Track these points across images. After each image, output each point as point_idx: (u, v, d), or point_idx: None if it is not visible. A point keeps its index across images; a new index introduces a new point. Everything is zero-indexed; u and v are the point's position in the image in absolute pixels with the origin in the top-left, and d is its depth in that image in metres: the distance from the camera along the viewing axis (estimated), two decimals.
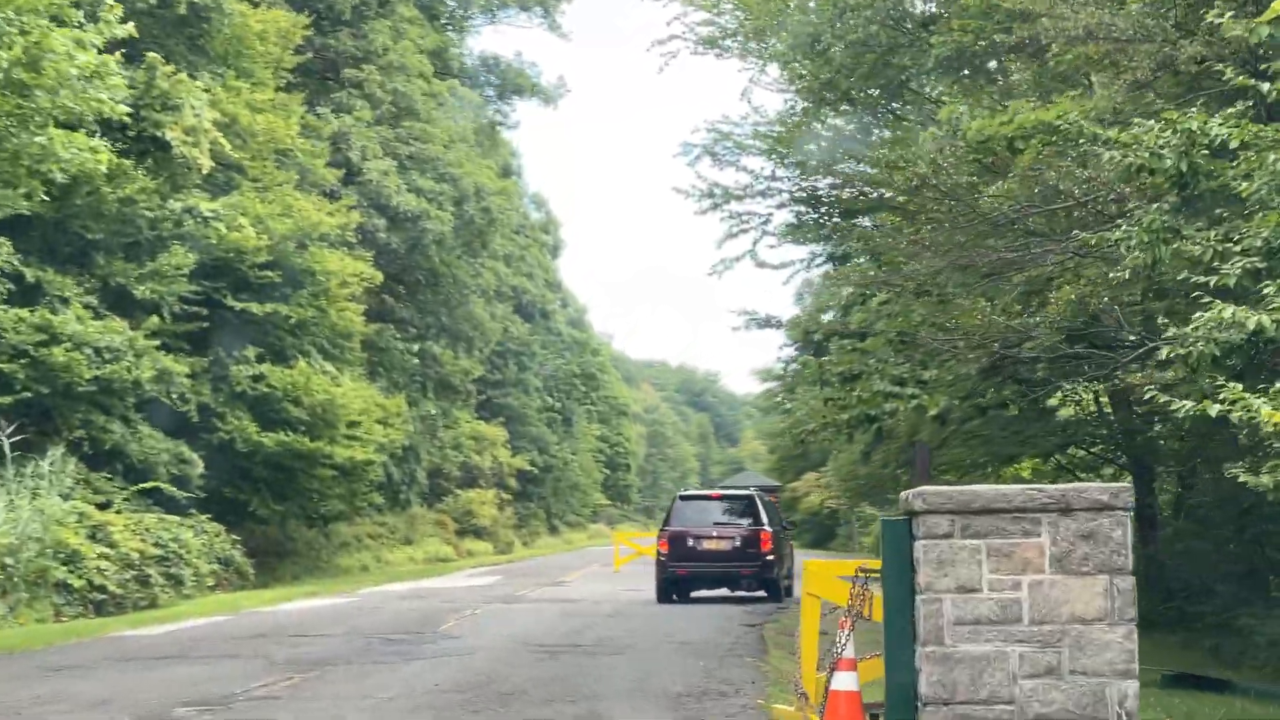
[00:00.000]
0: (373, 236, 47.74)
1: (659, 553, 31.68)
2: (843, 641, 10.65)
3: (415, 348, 52.58)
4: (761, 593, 31.92)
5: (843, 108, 27.22)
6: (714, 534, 31.27)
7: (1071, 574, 9.11)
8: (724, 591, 32.71)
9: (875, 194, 25.02)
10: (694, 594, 32.77)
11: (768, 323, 32.69)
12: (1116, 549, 9.10)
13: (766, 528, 31.48)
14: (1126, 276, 14.31)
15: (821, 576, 12.47)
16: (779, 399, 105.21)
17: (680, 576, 31.35)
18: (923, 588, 9.17)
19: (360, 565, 51.63)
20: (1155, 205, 13.68)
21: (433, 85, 50.27)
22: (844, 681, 10.58)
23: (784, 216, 29.50)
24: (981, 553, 9.14)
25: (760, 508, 32.33)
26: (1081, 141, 14.85)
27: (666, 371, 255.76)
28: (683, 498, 33.99)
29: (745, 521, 31.75)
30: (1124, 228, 13.81)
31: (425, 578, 48.38)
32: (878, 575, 10.01)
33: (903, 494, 9.45)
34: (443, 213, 48.26)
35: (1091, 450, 29.50)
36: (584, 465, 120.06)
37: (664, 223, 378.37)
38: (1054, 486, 9.26)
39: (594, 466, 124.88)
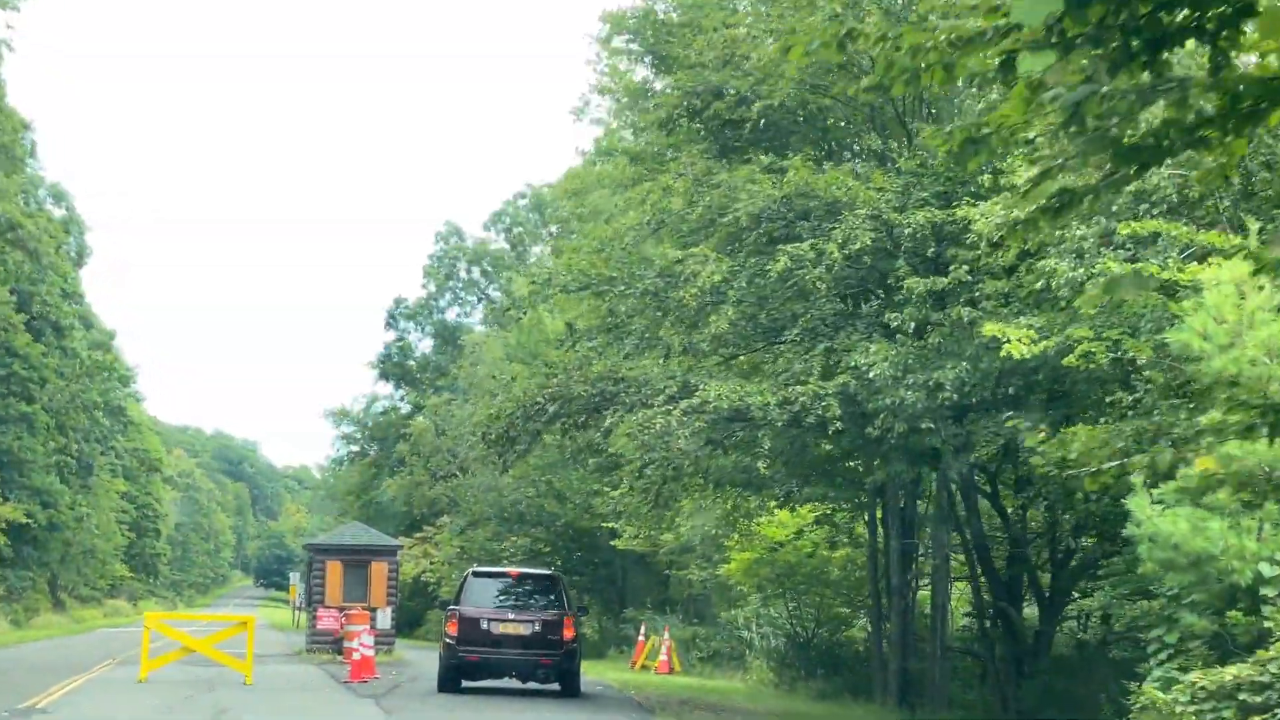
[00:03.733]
0: None
1: (447, 635, 27.34)
2: None
3: None
4: (555, 685, 27.80)
5: None
6: (510, 617, 27.08)
7: None
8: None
9: None
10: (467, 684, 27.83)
11: None
12: None
13: (569, 612, 27.58)
14: None
15: None
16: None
17: (469, 664, 27.00)
18: None
19: None
20: None
21: None
22: None
23: None
24: None
25: (562, 590, 28.32)
26: None
27: (201, 438, 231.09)
28: (476, 574, 29.01)
29: (545, 605, 27.65)
30: None
31: None
32: None
33: None
34: None
35: None
36: (103, 526, 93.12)
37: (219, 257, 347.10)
38: None
39: (116, 529, 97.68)
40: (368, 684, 28.93)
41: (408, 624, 71.22)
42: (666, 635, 41.67)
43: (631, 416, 23.14)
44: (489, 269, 76.61)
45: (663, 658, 41.25)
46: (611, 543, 50.02)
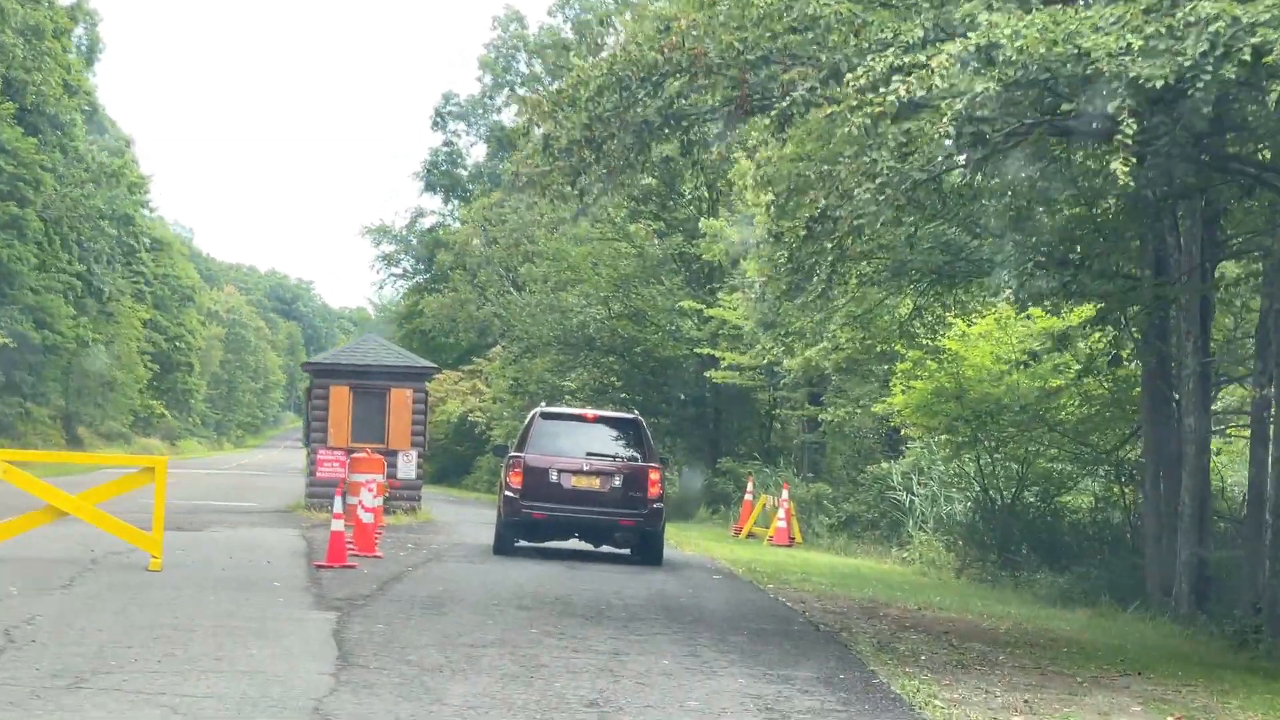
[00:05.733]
0: None
1: (508, 487, 22.90)
2: None
3: None
4: (625, 550, 23.49)
5: None
6: (585, 468, 22.78)
7: None
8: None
9: None
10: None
11: None
12: None
13: (654, 464, 23.23)
14: None
15: None
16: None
17: (536, 521, 22.84)
18: None
19: None
20: None
21: None
22: None
23: None
24: None
25: (646, 437, 23.72)
26: None
27: (254, 276, 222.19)
28: (544, 415, 24.06)
29: (626, 455, 23.33)
30: None
31: None
32: None
33: None
34: None
35: None
36: (125, 356, 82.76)
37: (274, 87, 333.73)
38: None
39: (138, 360, 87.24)
40: (354, 570, 17.93)
41: (453, 472, 60.62)
42: (785, 495, 30.67)
43: (854, 77, 11.33)
44: (555, 64, 64.76)
45: (780, 524, 30.35)
46: (705, 374, 38.88)
